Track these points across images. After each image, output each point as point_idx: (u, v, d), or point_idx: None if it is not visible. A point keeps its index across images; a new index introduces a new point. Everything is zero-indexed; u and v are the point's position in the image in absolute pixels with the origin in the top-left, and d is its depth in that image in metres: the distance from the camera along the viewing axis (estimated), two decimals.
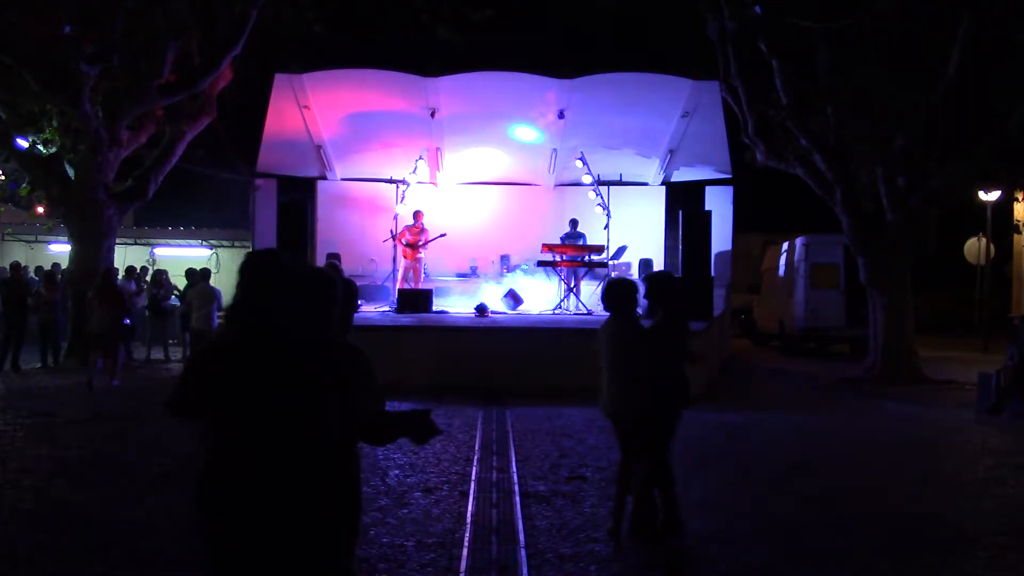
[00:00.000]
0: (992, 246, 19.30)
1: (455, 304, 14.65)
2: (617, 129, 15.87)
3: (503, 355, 10.87)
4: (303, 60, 14.61)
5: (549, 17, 19.43)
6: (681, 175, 17.01)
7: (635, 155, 16.79)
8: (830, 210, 14.07)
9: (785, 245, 19.01)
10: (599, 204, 15.29)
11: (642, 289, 5.22)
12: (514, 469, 6.70)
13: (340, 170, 17.00)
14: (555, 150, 16.30)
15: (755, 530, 5.32)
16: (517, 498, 5.83)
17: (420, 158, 15.52)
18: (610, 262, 15.41)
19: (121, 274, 14.80)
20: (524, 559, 4.61)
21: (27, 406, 9.60)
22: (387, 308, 13.82)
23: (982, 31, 11.84)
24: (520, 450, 7.43)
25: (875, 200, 13.60)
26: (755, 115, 14.52)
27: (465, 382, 10.65)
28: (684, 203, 15.66)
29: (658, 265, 16.20)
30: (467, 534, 5.03)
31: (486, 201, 17.43)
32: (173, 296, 15.55)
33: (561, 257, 14.44)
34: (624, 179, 16.82)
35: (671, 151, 16.58)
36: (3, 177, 16.36)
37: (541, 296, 15.04)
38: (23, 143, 14.37)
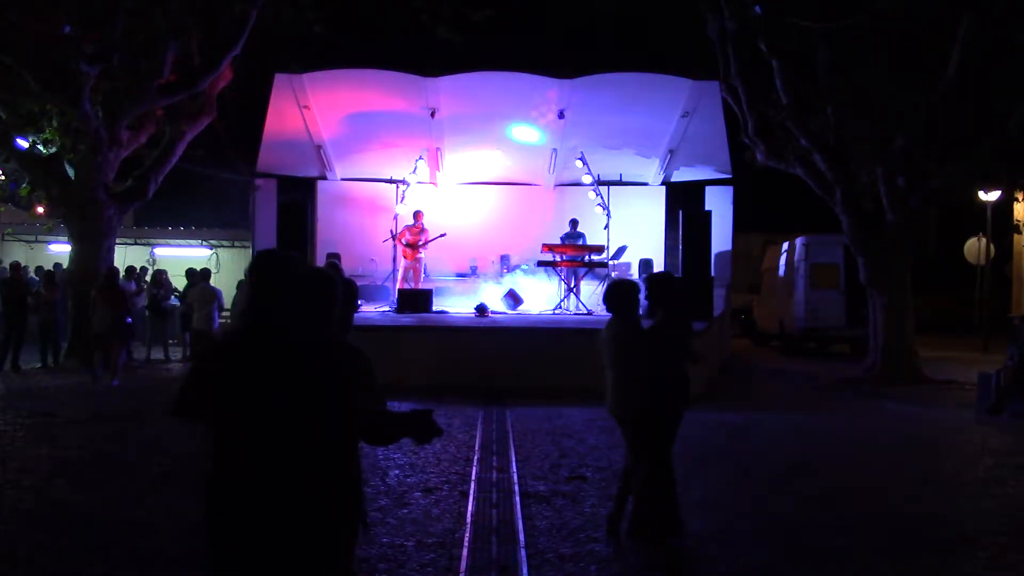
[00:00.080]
0: (992, 246, 19.30)
1: (455, 304, 14.65)
2: (617, 129, 15.87)
3: (503, 355, 10.87)
4: (303, 60, 14.61)
5: (549, 17, 19.43)
6: (681, 175, 17.01)
7: (635, 155, 16.79)
8: (830, 210, 14.08)
9: (785, 245, 19.02)
10: (599, 204, 15.29)
11: (643, 289, 5.22)
12: (514, 469, 6.70)
13: (340, 170, 17.00)
14: (555, 150, 16.31)
15: (755, 530, 5.32)
16: (517, 498, 5.83)
17: (420, 158, 15.52)
18: (610, 262, 15.41)
19: (121, 274, 14.80)
20: (524, 559, 4.61)
21: (27, 406, 9.60)
22: (387, 308, 13.83)
23: (982, 31, 11.84)
24: (520, 450, 7.43)
25: (875, 200, 13.60)
26: (755, 115, 14.53)
27: (465, 382, 10.65)
28: (684, 203, 15.67)
29: (658, 265, 16.20)
30: (467, 534, 5.03)
31: (486, 201, 17.43)
32: (173, 296, 15.56)
33: (561, 257, 14.44)
34: (624, 179, 16.82)
35: (671, 151, 16.58)
36: (3, 177, 16.35)
37: (541, 296, 15.04)
38: (23, 143, 14.37)
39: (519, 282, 15.25)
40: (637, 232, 16.52)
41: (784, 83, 13.48)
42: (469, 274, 16.33)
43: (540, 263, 14.73)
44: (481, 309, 13.12)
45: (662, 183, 17.32)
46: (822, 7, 12.65)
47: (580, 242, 15.04)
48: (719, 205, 15.69)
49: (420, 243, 14.84)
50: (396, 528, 5.14)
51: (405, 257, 14.88)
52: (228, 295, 14.79)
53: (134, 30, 13.58)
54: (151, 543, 4.89)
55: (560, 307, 14.18)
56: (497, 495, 5.92)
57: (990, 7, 11.77)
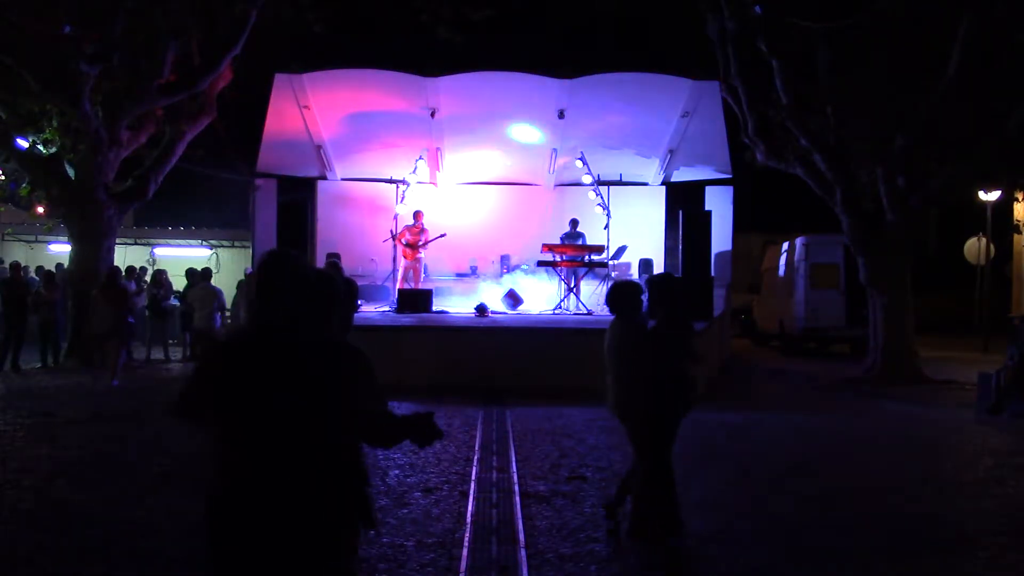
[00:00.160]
0: (992, 246, 19.30)
1: (455, 304, 14.65)
2: (617, 129, 15.87)
3: (503, 355, 10.86)
4: (303, 60, 14.61)
5: (549, 17, 19.44)
6: (681, 175, 17.01)
7: (635, 155, 16.79)
8: (830, 210, 14.08)
9: (785, 245, 19.02)
10: (599, 204, 15.29)
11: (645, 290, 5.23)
12: (514, 469, 6.70)
13: (340, 170, 17.00)
14: (555, 150, 16.30)
15: (755, 530, 5.32)
16: (517, 498, 5.83)
17: (420, 158, 15.52)
18: (610, 262, 15.41)
19: (121, 274, 14.80)
20: (524, 559, 4.61)
21: (27, 406, 9.60)
22: (387, 308, 13.83)
23: (982, 31, 11.84)
24: (520, 450, 7.43)
25: (875, 200, 13.60)
26: (755, 115, 14.53)
27: (465, 382, 10.64)
28: (684, 203, 15.67)
29: (658, 265, 16.20)
30: (467, 534, 5.03)
31: (486, 201, 17.43)
32: (172, 296, 15.56)
33: (561, 257, 14.44)
34: (624, 179, 16.82)
35: (671, 151, 16.58)
36: (3, 177, 16.36)
37: (541, 296, 15.03)
38: (23, 143, 14.37)
39: (519, 282, 15.25)
40: (637, 232, 16.52)
41: (784, 83, 13.48)
42: (469, 274, 16.33)
43: (540, 263, 14.73)
44: (481, 309, 13.12)
45: (662, 183, 17.32)
46: (822, 7, 12.65)
47: (580, 242, 15.04)
48: (719, 205, 15.68)
49: (420, 243, 14.84)
50: (396, 528, 5.14)
51: (405, 257, 14.88)
52: (228, 295, 14.83)
53: (134, 30, 13.58)
54: (151, 543, 4.89)
55: (560, 307, 14.18)
56: (497, 495, 5.92)
57: (990, 7, 11.77)
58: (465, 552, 4.71)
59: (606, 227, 15.03)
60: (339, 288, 2.78)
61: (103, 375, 11.57)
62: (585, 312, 13.67)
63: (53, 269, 16.24)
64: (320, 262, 14.78)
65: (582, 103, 15.07)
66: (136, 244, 21.56)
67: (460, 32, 14.02)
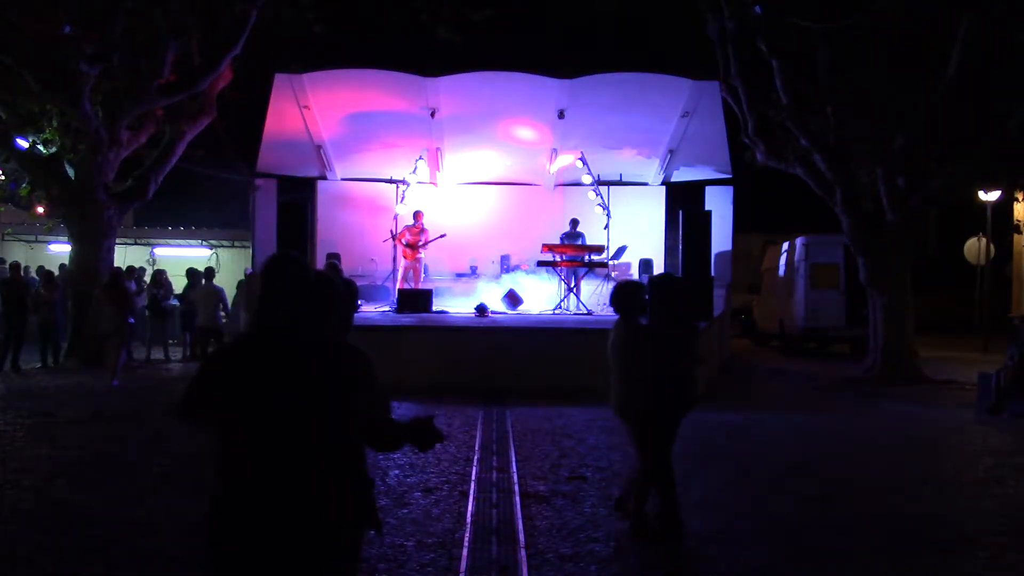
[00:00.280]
0: (992, 246, 19.30)
1: (455, 304, 14.65)
2: (617, 129, 15.87)
3: (503, 355, 10.86)
4: (303, 60, 14.61)
5: (549, 17, 19.45)
6: (681, 175, 17.02)
7: (635, 155, 16.80)
8: (830, 210, 14.07)
9: (785, 245, 19.02)
10: (599, 204, 15.30)
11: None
12: (514, 469, 6.70)
13: (340, 170, 17.01)
14: (555, 150, 16.31)
15: (755, 530, 5.32)
16: (517, 498, 5.83)
17: (420, 158, 15.53)
18: (610, 262, 15.41)
19: None
20: (524, 559, 4.61)
21: (27, 406, 9.60)
22: (387, 308, 13.83)
23: (982, 31, 11.84)
24: (520, 450, 7.42)
25: (875, 200, 13.60)
26: (755, 115, 14.53)
27: (465, 382, 10.64)
28: (684, 203, 15.67)
29: (658, 265, 16.21)
30: (467, 534, 5.03)
31: (486, 201, 17.44)
32: (173, 296, 15.57)
33: (561, 257, 14.44)
34: (624, 179, 16.83)
35: (671, 151, 16.59)
36: (3, 177, 16.36)
37: (541, 296, 15.03)
38: (23, 143, 14.37)
39: (519, 282, 15.25)
40: (637, 232, 16.53)
41: (784, 83, 13.48)
42: (469, 274, 16.33)
43: (540, 263, 14.72)
44: (481, 309, 13.12)
45: (662, 183, 17.32)
46: (822, 7, 12.65)
47: (580, 242, 15.03)
48: (719, 205, 15.69)
49: (420, 243, 14.84)
50: (396, 528, 5.14)
51: (405, 257, 14.88)
52: (228, 295, 14.83)
53: (134, 30, 13.58)
54: (151, 543, 4.89)
55: (560, 307, 14.18)
56: (497, 495, 5.92)
57: (990, 7, 11.77)
58: (465, 552, 4.71)
59: (606, 227, 15.04)
60: (339, 289, 2.78)
61: (104, 375, 11.58)
62: (585, 312, 13.67)
63: (54, 269, 16.24)
64: (320, 262, 14.79)
65: (582, 103, 15.07)
66: (136, 244, 21.56)
67: (460, 32, 14.02)
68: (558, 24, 19.56)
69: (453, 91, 14.87)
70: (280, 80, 14.66)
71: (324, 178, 17.03)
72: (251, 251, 17.60)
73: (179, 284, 16.19)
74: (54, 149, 14.44)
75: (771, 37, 13.31)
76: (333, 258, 14.85)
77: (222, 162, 19.09)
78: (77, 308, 13.91)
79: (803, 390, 12.39)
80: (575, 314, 13.67)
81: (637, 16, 16.83)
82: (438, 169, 16.91)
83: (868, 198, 13.86)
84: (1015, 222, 21.26)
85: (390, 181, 15.67)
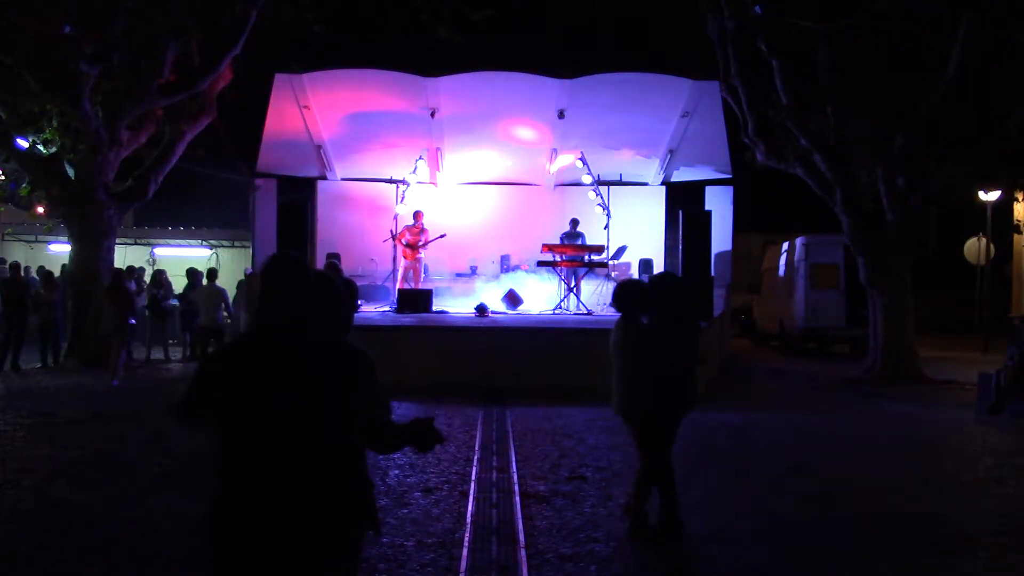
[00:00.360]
0: (992, 246, 19.30)
1: (455, 304, 14.66)
2: (617, 129, 15.87)
3: (503, 355, 10.86)
4: (303, 60, 14.61)
5: (549, 17, 19.45)
6: (681, 175, 17.02)
7: (635, 155, 16.79)
8: (830, 210, 14.07)
9: (785, 245, 19.02)
10: (599, 204, 15.30)
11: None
12: (514, 469, 6.70)
13: (340, 170, 17.01)
14: (555, 150, 16.31)
15: (755, 530, 5.32)
16: (517, 498, 5.83)
17: (420, 158, 15.53)
18: (610, 262, 15.41)
19: None
20: (524, 559, 4.61)
21: (27, 406, 9.60)
22: (387, 308, 13.83)
23: (982, 31, 11.84)
24: (520, 450, 7.43)
25: (875, 200, 13.60)
26: (755, 115, 14.53)
27: (465, 382, 10.64)
28: (684, 203, 15.67)
29: (658, 265, 16.20)
30: (467, 534, 5.03)
31: (486, 201, 17.44)
32: (173, 296, 15.56)
33: (561, 257, 14.44)
34: (624, 179, 16.83)
35: (671, 151, 16.59)
36: (3, 177, 16.36)
37: (541, 296, 15.04)
38: (23, 143, 14.37)
39: (519, 282, 15.25)
40: (637, 232, 16.53)
41: (784, 83, 13.48)
42: (469, 274, 16.33)
43: (540, 263, 14.72)
44: (481, 309, 13.12)
45: (662, 183, 17.32)
46: (822, 7, 12.65)
47: (580, 242, 15.03)
48: (719, 205, 15.69)
49: (420, 243, 14.84)
50: (396, 528, 5.14)
51: (405, 257, 14.88)
52: (229, 295, 14.82)
53: (134, 30, 13.58)
54: (151, 543, 4.89)
55: (560, 307, 14.18)
56: (497, 495, 5.92)
57: (990, 7, 11.77)
58: (465, 552, 4.71)
59: (606, 227, 15.04)
60: (339, 289, 2.78)
61: (105, 375, 11.58)
62: (585, 312, 13.67)
63: (55, 269, 16.25)
64: (320, 262, 14.79)
65: (582, 103, 15.07)
66: (136, 244, 21.57)
67: (460, 32, 14.02)
68: (558, 24, 19.57)
69: (453, 91, 14.87)
70: (280, 80, 14.66)
71: (324, 178, 17.03)
72: (251, 251, 17.60)
73: (179, 284, 16.19)
74: (54, 149, 14.44)
75: (771, 37, 13.31)
76: (333, 258, 14.85)
77: (222, 162, 19.10)
78: (77, 308, 13.91)
79: (803, 390, 12.39)
80: (575, 314, 13.67)
81: (637, 16, 16.83)
82: (438, 169, 16.91)
83: (868, 198, 13.86)
84: (1015, 222, 21.26)
85: (390, 181, 15.67)
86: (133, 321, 12.18)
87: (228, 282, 16.99)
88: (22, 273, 14.52)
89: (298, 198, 14.59)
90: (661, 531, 4.99)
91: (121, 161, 14.63)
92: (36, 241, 20.87)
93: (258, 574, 2.45)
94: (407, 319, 12.45)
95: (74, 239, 14.46)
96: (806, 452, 8.04)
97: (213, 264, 19.02)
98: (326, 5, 14.16)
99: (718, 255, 15.09)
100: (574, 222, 15.34)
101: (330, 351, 2.61)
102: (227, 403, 2.47)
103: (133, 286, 15.02)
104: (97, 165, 13.95)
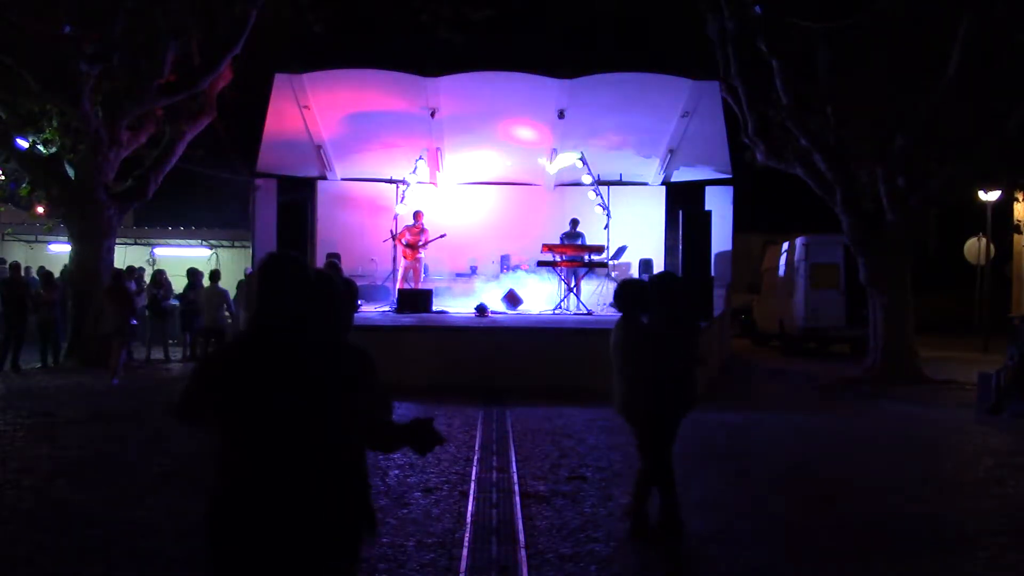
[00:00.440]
0: (992, 246, 19.30)
1: (455, 304, 14.66)
2: (617, 129, 15.87)
3: (503, 355, 10.87)
4: (303, 60, 14.61)
5: (549, 17, 19.43)
6: (681, 175, 17.01)
7: (635, 155, 16.79)
8: (830, 210, 14.07)
9: (785, 245, 19.01)
10: (599, 204, 15.30)
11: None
12: (514, 469, 6.70)
13: (340, 170, 17.01)
14: (555, 150, 16.31)
15: (755, 530, 5.32)
16: (517, 498, 5.83)
17: (420, 158, 15.53)
18: (610, 262, 15.41)
19: None
20: (524, 559, 4.61)
21: (27, 406, 9.60)
22: (387, 308, 13.83)
23: (982, 31, 11.84)
24: (520, 450, 7.42)
25: (875, 200, 13.60)
26: (755, 115, 14.52)
27: (465, 382, 10.64)
28: (684, 203, 15.67)
29: (658, 265, 16.20)
30: (467, 534, 5.03)
31: (486, 201, 17.44)
32: (173, 296, 15.56)
33: (561, 257, 14.44)
34: (624, 179, 16.83)
35: (671, 151, 16.59)
36: (3, 177, 16.36)
37: (541, 296, 15.04)
38: (23, 143, 14.37)
39: (519, 282, 15.25)
40: (637, 232, 16.53)
41: (784, 83, 13.48)
42: (469, 274, 16.33)
43: (540, 263, 14.72)
44: (481, 309, 13.12)
45: (662, 183, 17.32)
46: (822, 7, 12.64)
47: (580, 242, 15.03)
48: (719, 205, 15.69)
49: (420, 243, 14.84)
50: (396, 528, 5.14)
51: (405, 257, 14.89)
52: (231, 296, 14.84)
53: (134, 30, 13.58)
54: (151, 543, 4.89)
55: (560, 307, 14.18)
56: (497, 495, 5.92)
57: (990, 7, 11.77)
58: (465, 552, 4.71)
59: (606, 227, 15.03)
60: (338, 288, 2.78)
61: (105, 375, 11.58)
62: (585, 312, 13.67)
63: (55, 270, 16.25)
64: (320, 262, 14.79)
65: (582, 103, 15.07)
66: (136, 244, 21.57)
67: (460, 32, 14.01)
68: (558, 24, 19.55)
69: (453, 91, 14.87)
70: (280, 80, 14.66)
71: (324, 178, 17.03)
72: (251, 251, 17.61)
73: (179, 284, 16.19)
74: (54, 149, 14.44)
75: (771, 37, 13.31)
76: (333, 258, 14.85)
77: (222, 162, 19.07)
78: (77, 308, 13.91)
79: (803, 390, 12.38)
80: (575, 314, 13.67)
81: (637, 16, 16.82)
82: (438, 169, 16.91)
83: (868, 198, 13.85)
84: (1015, 222, 21.25)
85: (390, 181, 15.67)
86: (135, 322, 12.20)
87: (228, 282, 17.00)
88: (22, 273, 14.53)
89: (298, 198, 14.59)
90: (661, 531, 4.99)
91: (121, 161, 14.64)
92: (36, 241, 20.87)
93: (258, 574, 2.45)
94: (407, 319, 12.45)
95: (74, 239, 14.46)
96: (806, 452, 8.04)
97: (213, 264, 19.06)
98: (326, 5, 14.16)
99: (718, 255, 15.09)
100: (574, 222, 15.34)
101: (330, 351, 2.61)
102: (227, 403, 2.47)
103: (133, 286, 15.03)
104: (97, 165, 13.95)
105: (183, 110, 15.02)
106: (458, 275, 16.31)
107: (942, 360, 15.11)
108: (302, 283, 2.62)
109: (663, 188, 17.34)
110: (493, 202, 17.46)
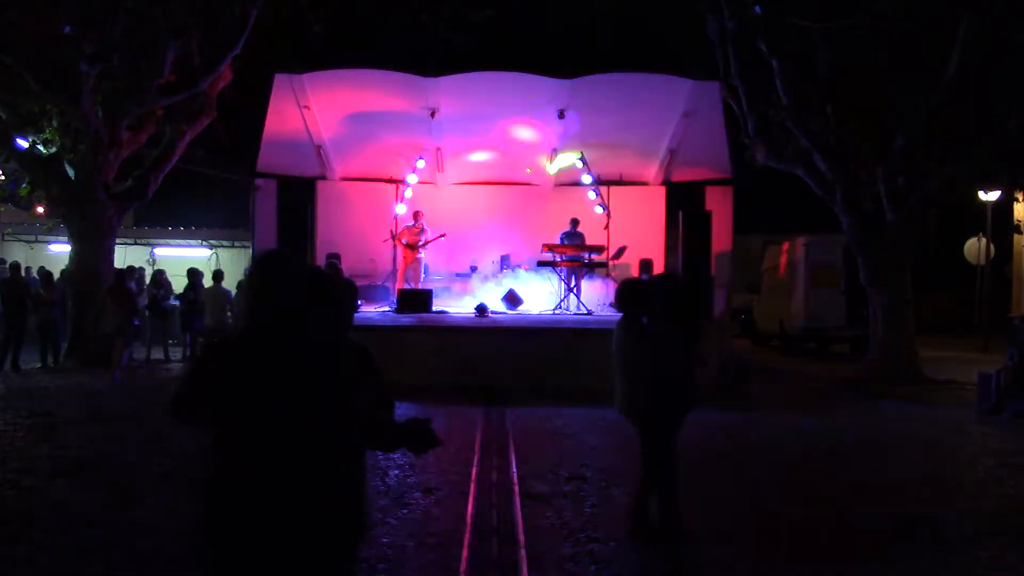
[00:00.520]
0: (992, 246, 19.30)
1: (455, 304, 14.65)
2: (617, 129, 15.84)
3: (503, 355, 10.85)
4: (303, 60, 14.59)
5: (549, 17, 19.42)
6: (681, 175, 16.99)
7: (635, 155, 16.77)
8: (830, 210, 14.07)
9: (785, 245, 19.01)
10: (599, 204, 15.28)
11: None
12: (514, 469, 6.69)
13: (340, 170, 16.99)
14: (555, 150, 16.30)
15: (755, 530, 5.32)
16: (517, 498, 5.83)
17: (420, 158, 15.52)
18: (610, 262, 15.40)
19: None
20: (524, 559, 4.60)
21: (27, 406, 9.60)
22: (387, 308, 13.82)
23: (982, 31, 11.84)
24: (520, 450, 7.42)
25: (875, 200, 13.60)
26: (755, 115, 14.52)
27: (465, 382, 10.64)
28: (684, 203, 15.64)
29: (658, 265, 16.19)
30: (467, 534, 5.03)
31: (486, 201, 17.42)
32: (173, 296, 15.57)
33: (561, 257, 14.44)
34: (624, 179, 16.80)
35: (671, 151, 16.57)
36: (3, 177, 16.36)
37: (541, 296, 15.03)
38: (23, 143, 14.37)
39: (519, 282, 15.24)
40: (637, 232, 16.50)
41: (784, 83, 13.48)
42: (469, 274, 16.32)
43: (540, 263, 14.72)
44: (481, 309, 13.11)
45: (662, 183, 17.30)
46: (822, 7, 12.65)
47: (580, 242, 15.02)
48: (719, 205, 15.65)
49: (420, 243, 14.83)
50: (396, 528, 5.14)
51: (405, 257, 14.88)
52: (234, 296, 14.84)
53: (134, 30, 13.58)
54: (151, 543, 4.89)
55: (560, 307, 14.17)
56: (497, 495, 5.92)
57: (990, 7, 11.77)
58: (465, 552, 4.71)
59: (606, 227, 15.02)
60: (337, 287, 2.77)
61: (105, 375, 11.59)
62: (585, 312, 13.66)
63: (54, 270, 16.24)
64: (320, 262, 14.78)
65: (582, 103, 15.05)
66: (136, 244, 21.56)
67: (460, 32, 14.00)
68: (558, 24, 19.54)
69: (453, 91, 14.84)
70: (280, 80, 14.63)
71: (324, 178, 17.01)
72: (251, 251, 17.60)
73: (179, 284, 16.19)
74: (54, 149, 14.43)
75: (771, 37, 13.31)
76: (333, 258, 14.84)
77: (222, 162, 19.09)
78: (77, 308, 13.91)
79: (803, 390, 12.39)
80: (575, 314, 13.66)
81: (637, 16, 16.82)
82: (438, 169, 16.90)
83: (868, 198, 13.85)
84: (1015, 222, 21.23)
85: (390, 181, 15.66)
86: (138, 322, 12.21)
87: (229, 282, 17.00)
88: (22, 273, 14.53)
89: (298, 198, 14.58)
90: (661, 531, 4.99)
91: (121, 161, 14.64)
92: (36, 241, 20.86)
93: (257, 574, 2.45)
94: (407, 319, 12.45)
95: (74, 239, 14.46)
96: (806, 452, 8.04)
97: (213, 264, 19.05)
98: (326, 5, 14.15)
99: (718, 255, 15.06)
100: (574, 222, 15.34)
101: (330, 351, 2.60)
102: (226, 403, 2.46)
103: (133, 286, 15.04)
104: (97, 165, 13.95)
105: (183, 110, 15.02)
106: (458, 275, 16.29)
107: (942, 360, 15.11)
108: (296, 280, 2.61)
109: (663, 188, 17.32)
110: (493, 202, 17.43)
